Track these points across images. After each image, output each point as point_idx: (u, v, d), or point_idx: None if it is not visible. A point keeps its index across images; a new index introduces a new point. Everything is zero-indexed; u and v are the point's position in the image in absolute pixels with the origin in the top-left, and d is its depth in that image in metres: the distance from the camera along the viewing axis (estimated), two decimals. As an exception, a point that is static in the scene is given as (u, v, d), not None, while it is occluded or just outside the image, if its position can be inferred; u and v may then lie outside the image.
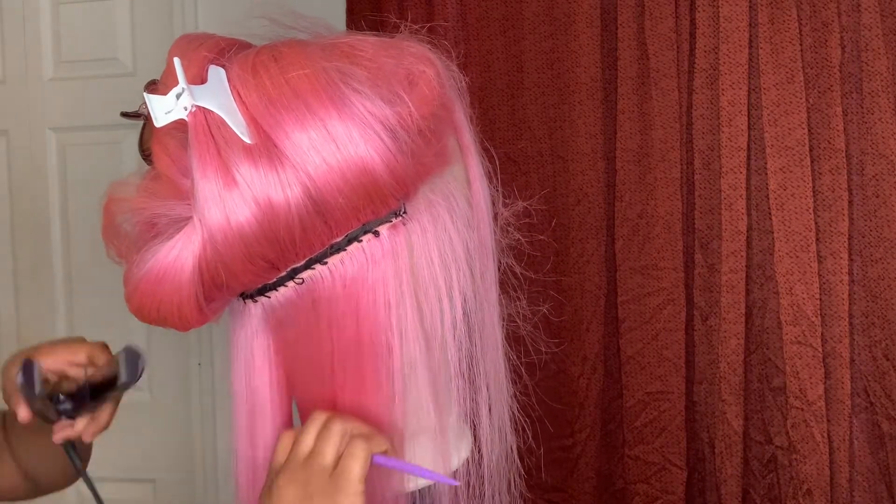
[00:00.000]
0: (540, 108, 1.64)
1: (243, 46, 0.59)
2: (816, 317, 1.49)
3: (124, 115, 0.62)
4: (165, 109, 0.53)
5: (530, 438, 0.68)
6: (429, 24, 0.62)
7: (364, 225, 0.57)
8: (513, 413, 0.67)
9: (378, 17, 1.62)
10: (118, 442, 2.03)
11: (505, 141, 1.65)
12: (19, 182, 2.04)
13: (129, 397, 2.15)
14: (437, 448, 0.63)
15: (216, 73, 0.55)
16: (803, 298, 1.49)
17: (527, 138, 1.64)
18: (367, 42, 0.58)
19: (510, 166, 1.65)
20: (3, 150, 2.05)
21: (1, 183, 2.06)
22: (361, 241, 0.57)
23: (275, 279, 0.58)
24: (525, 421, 0.68)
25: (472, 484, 0.65)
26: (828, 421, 1.50)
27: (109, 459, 2.04)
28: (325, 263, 0.57)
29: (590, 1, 1.59)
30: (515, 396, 0.67)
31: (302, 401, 0.62)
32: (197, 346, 1.98)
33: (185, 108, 0.53)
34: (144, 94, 0.55)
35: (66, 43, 2.01)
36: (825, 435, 1.49)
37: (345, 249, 0.57)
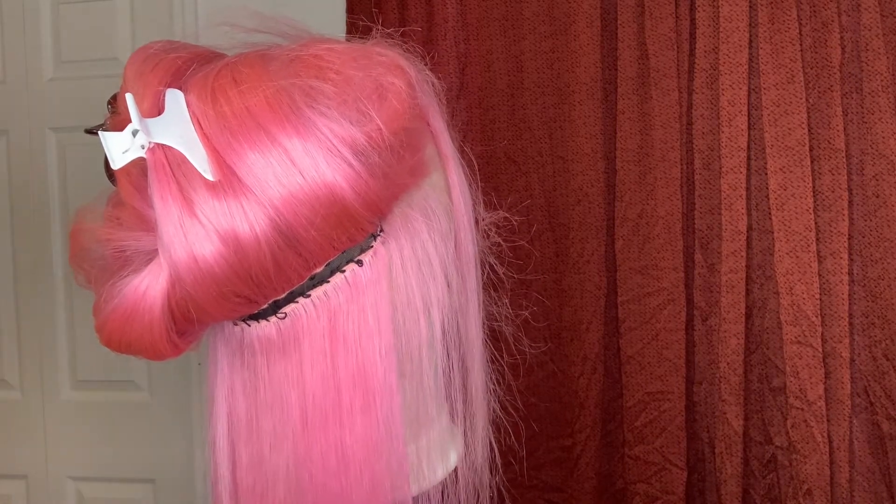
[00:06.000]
0: (540, 108, 1.64)
1: (206, 58, 0.56)
2: (816, 317, 1.49)
3: (88, 132, 0.59)
4: (122, 149, 0.50)
5: (523, 440, 0.68)
6: (403, 28, 0.60)
7: (343, 253, 0.54)
8: (501, 418, 0.66)
9: (376, 15, 1.62)
10: (118, 442, 2.04)
11: (505, 141, 1.65)
12: (19, 182, 2.04)
13: (128, 397, 2.16)
14: (419, 462, 0.63)
15: (174, 99, 0.52)
16: (803, 298, 1.49)
17: (527, 138, 1.64)
18: (335, 52, 0.55)
19: (510, 166, 1.65)
20: (3, 150, 2.05)
21: (1, 183, 2.06)
22: (345, 271, 0.55)
23: (256, 311, 0.56)
24: (520, 424, 0.68)
25: (447, 494, 0.64)
26: (828, 421, 1.50)
27: (109, 459, 2.05)
28: (309, 297, 0.55)
29: (590, 1, 1.59)
30: (509, 399, 0.66)
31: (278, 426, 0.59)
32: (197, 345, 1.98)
33: (143, 146, 0.50)
34: (99, 132, 0.52)
35: (66, 43, 2.01)
36: (825, 435, 1.49)
37: (328, 281, 0.55)
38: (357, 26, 1.65)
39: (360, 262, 0.55)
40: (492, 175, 1.64)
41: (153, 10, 1.96)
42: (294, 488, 0.58)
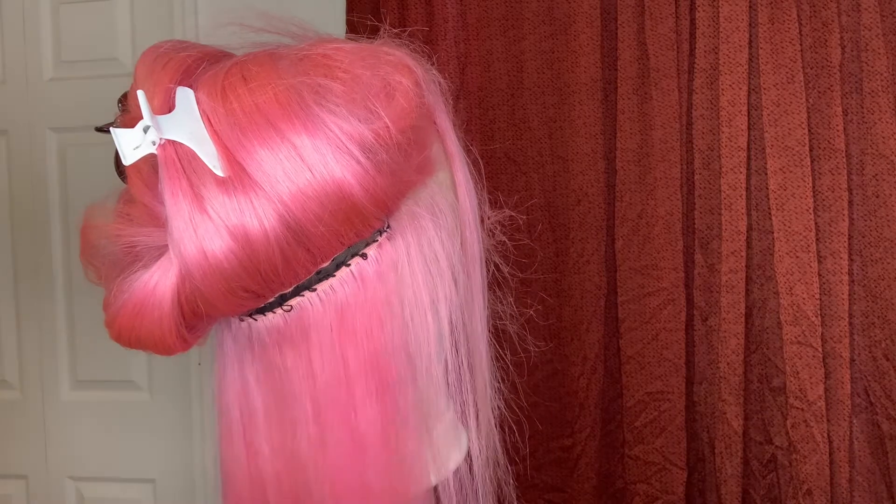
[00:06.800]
0: (540, 108, 1.64)
1: (215, 57, 0.57)
2: (816, 317, 1.49)
3: (99, 129, 0.59)
4: (133, 145, 0.51)
5: (526, 439, 0.68)
6: (408, 29, 0.60)
7: (350, 247, 0.55)
8: (504, 417, 0.66)
9: (377, 17, 1.62)
10: (118, 442, 2.04)
11: (505, 141, 1.65)
12: (19, 182, 2.04)
13: (128, 397, 2.16)
14: (427, 457, 0.63)
15: (184, 97, 0.52)
16: (803, 298, 1.49)
17: (527, 138, 1.64)
18: (343, 51, 0.55)
19: (510, 166, 1.65)
20: (3, 150, 2.05)
21: (1, 183, 2.06)
22: (350, 264, 0.55)
23: (263, 305, 0.56)
24: (523, 422, 0.68)
25: (462, 489, 0.64)
26: (828, 421, 1.50)
27: (109, 459, 2.05)
28: (315, 290, 0.55)
29: (590, 1, 1.59)
30: (511, 398, 0.67)
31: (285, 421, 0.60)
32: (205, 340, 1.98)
33: (154, 143, 0.51)
34: (111, 129, 0.53)
35: (66, 43, 2.01)
36: (825, 435, 1.49)
37: (333, 275, 0.55)
38: (357, 26, 1.65)
39: (364, 256, 0.56)
40: (492, 175, 1.64)
41: (153, 10, 1.96)
42: (316, 474, 0.58)
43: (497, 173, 1.65)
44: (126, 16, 1.98)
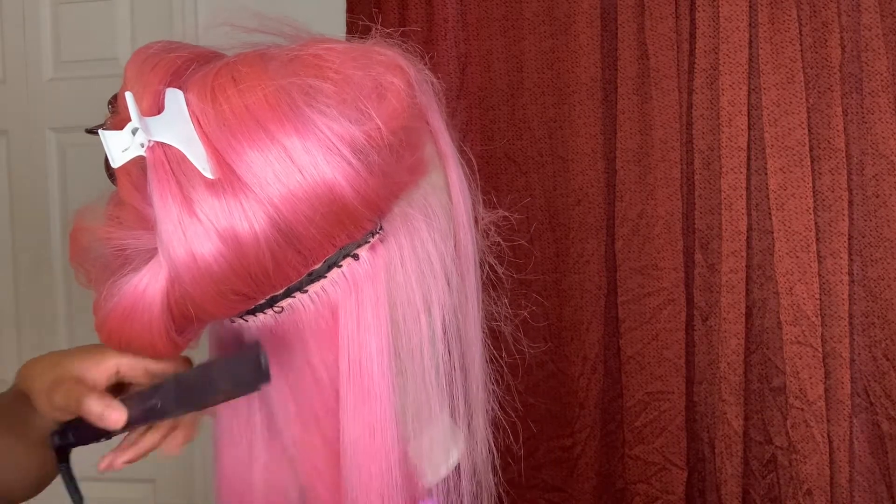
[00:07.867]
0: (540, 108, 1.64)
1: (206, 58, 0.56)
2: (816, 317, 1.48)
3: (89, 131, 0.59)
4: (122, 147, 0.51)
5: (521, 440, 0.68)
6: (403, 28, 0.60)
7: (341, 249, 0.55)
8: (499, 418, 0.66)
9: (376, 15, 1.62)
10: (118, 442, 2.03)
11: (505, 141, 1.65)
12: (19, 182, 2.04)
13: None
14: (421, 460, 0.63)
15: (174, 98, 0.52)
16: (803, 298, 1.49)
17: (527, 138, 1.64)
18: (334, 51, 0.55)
19: (510, 166, 1.65)
20: (3, 150, 2.06)
21: (1, 183, 2.06)
22: (342, 265, 0.55)
23: (252, 307, 0.56)
24: (518, 423, 0.68)
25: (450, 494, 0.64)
26: (828, 421, 1.49)
27: (109, 459, 2.04)
28: (306, 292, 0.55)
29: (590, 1, 1.59)
30: (509, 399, 0.67)
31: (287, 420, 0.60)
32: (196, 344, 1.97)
33: (142, 145, 0.50)
34: (99, 131, 0.52)
35: (66, 43, 2.01)
36: (825, 435, 1.49)
37: (325, 277, 0.55)
38: (357, 26, 1.65)
39: (356, 257, 0.55)
40: (492, 175, 1.64)
41: (153, 10, 1.96)
42: (296, 481, 0.59)
43: (497, 173, 1.64)
44: (126, 16, 1.98)
